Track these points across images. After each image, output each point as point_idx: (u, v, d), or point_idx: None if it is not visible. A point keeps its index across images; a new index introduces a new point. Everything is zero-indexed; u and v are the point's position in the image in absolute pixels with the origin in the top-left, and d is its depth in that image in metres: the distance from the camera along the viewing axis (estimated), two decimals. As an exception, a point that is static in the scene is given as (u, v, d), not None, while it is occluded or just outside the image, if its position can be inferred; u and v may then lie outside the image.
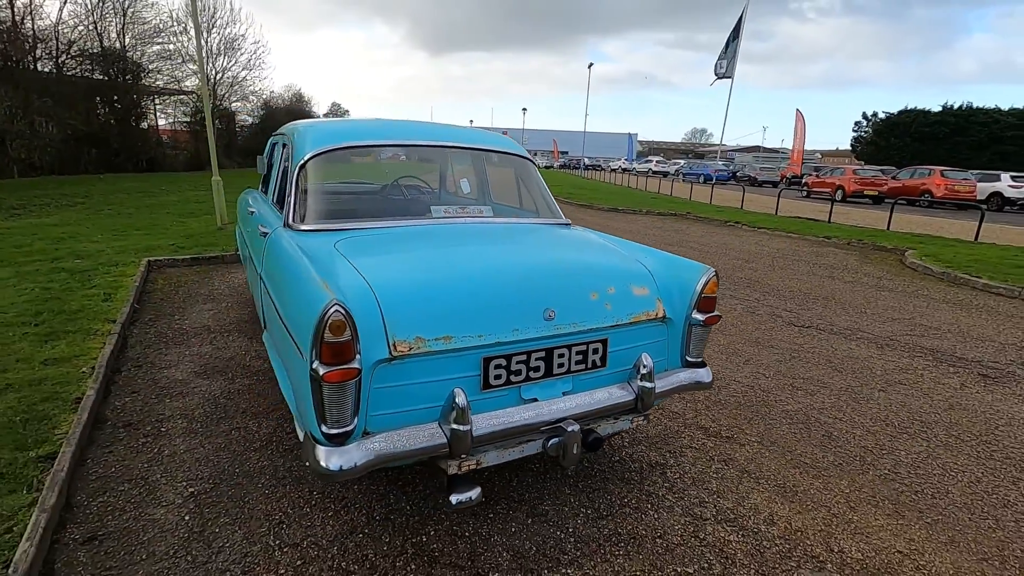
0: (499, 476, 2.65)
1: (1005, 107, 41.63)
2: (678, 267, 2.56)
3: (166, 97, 26.46)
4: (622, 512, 2.46)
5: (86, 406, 2.95)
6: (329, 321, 1.67)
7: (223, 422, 3.08)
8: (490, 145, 3.39)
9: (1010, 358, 4.62)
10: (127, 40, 22.68)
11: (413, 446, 1.86)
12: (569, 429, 2.07)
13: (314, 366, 1.70)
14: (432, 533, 2.26)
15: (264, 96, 31.35)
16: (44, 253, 6.72)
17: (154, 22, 23.53)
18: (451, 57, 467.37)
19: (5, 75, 18.03)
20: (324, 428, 1.77)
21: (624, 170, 41.57)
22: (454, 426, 1.88)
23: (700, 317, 2.45)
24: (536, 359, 2.11)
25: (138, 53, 23.27)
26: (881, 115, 47.52)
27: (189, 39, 24.46)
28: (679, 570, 2.12)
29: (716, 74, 22.90)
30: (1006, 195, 20.10)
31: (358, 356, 1.75)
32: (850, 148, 52.24)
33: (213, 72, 25.63)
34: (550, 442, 2.10)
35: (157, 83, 24.44)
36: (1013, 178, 20.32)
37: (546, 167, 47.12)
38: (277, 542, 2.17)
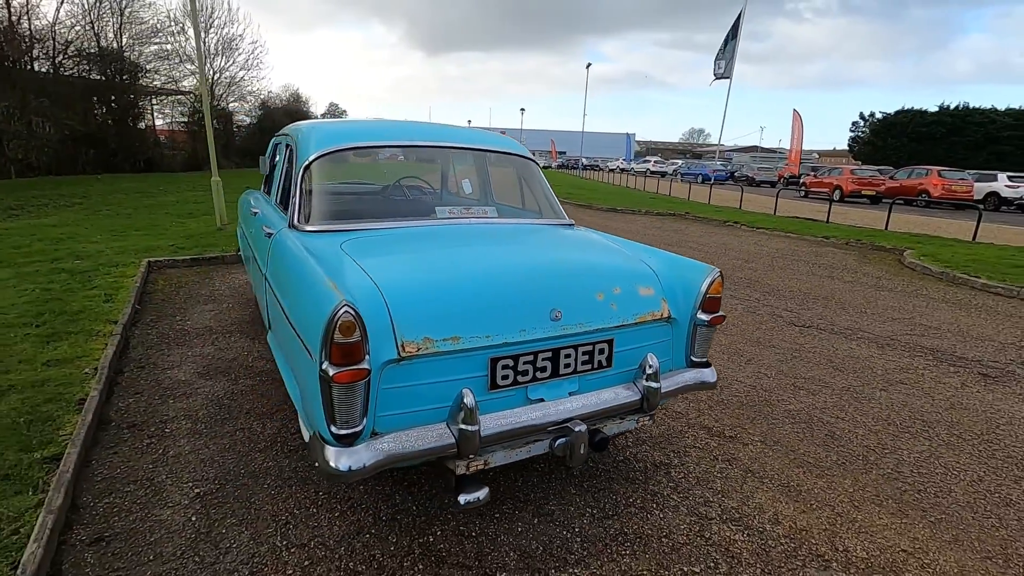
0: (504, 476, 2.65)
1: (1001, 107, 41.83)
2: (683, 267, 2.57)
3: (163, 97, 26.41)
4: (627, 512, 2.47)
5: (90, 407, 2.95)
6: (339, 322, 1.67)
7: (227, 423, 3.08)
8: (493, 146, 3.40)
9: (1010, 357, 4.64)
10: (124, 40, 22.67)
11: (422, 446, 1.86)
12: (576, 429, 2.08)
13: (324, 367, 1.71)
14: (439, 533, 2.27)
15: (262, 96, 31.36)
16: (43, 254, 6.71)
17: (151, 22, 23.56)
18: (448, 57, 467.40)
19: (2, 75, 17.98)
20: (333, 429, 1.78)
21: (622, 170, 41.61)
22: (462, 426, 1.88)
23: (705, 317, 2.46)
24: (543, 359, 2.12)
25: (135, 53, 23.26)
26: (878, 115, 47.69)
27: (187, 39, 24.46)
28: (685, 569, 2.13)
29: (715, 74, 22.96)
30: (1003, 195, 20.20)
31: (367, 357, 1.75)
32: (847, 148, 52.41)
33: (211, 72, 25.59)
34: (557, 442, 2.10)
35: (154, 83, 24.41)
36: (1010, 178, 20.43)
37: (544, 167, 46.88)
38: (284, 543, 2.18)
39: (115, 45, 22.28)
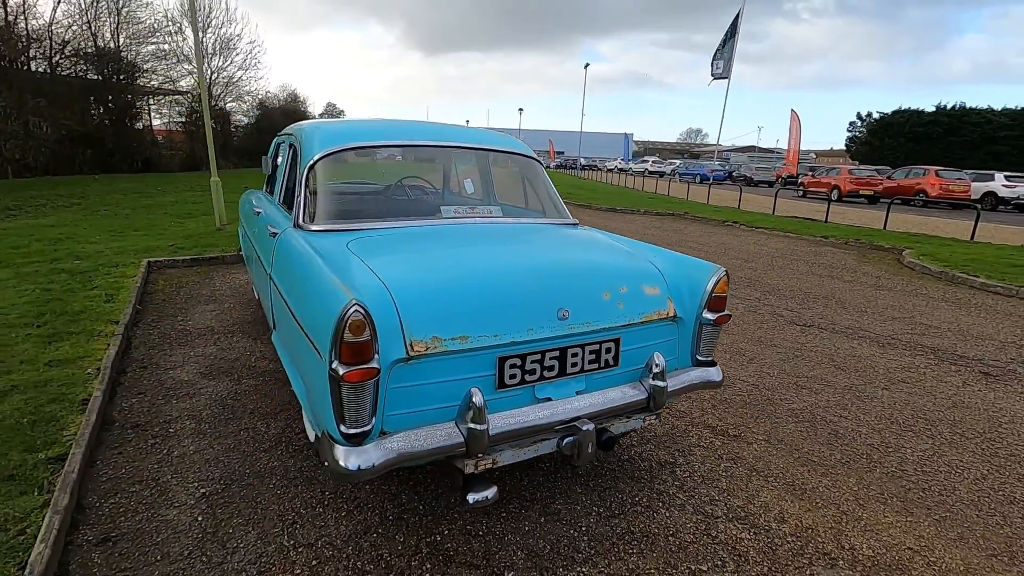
0: (510, 475, 2.65)
1: (998, 107, 41.95)
2: (688, 267, 2.57)
3: (161, 97, 26.33)
4: (634, 511, 2.47)
5: (93, 407, 2.94)
6: (349, 321, 1.67)
7: (231, 423, 3.08)
8: (496, 145, 3.40)
9: (1010, 356, 4.65)
10: (121, 40, 22.57)
11: (431, 445, 1.86)
12: (584, 428, 2.08)
13: (333, 366, 1.70)
14: (446, 532, 2.27)
15: (259, 96, 31.30)
16: (42, 254, 6.68)
17: (148, 22, 23.44)
18: (446, 57, 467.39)
19: (-1, 75, 17.92)
20: (343, 428, 1.77)
21: (620, 170, 41.64)
22: (471, 425, 1.88)
23: (711, 316, 2.46)
24: (550, 358, 2.12)
25: (132, 53, 23.17)
26: (875, 115, 47.78)
27: (184, 39, 24.39)
28: (693, 568, 2.14)
29: (712, 74, 22.99)
30: (1000, 195, 20.27)
31: (376, 356, 1.75)
32: (845, 148, 52.52)
33: (209, 72, 25.53)
34: (564, 441, 2.11)
35: (152, 83, 24.33)
36: (1007, 178, 20.51)
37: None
38: (291, 542, 2.17)
39: (112, 45, 22.20)
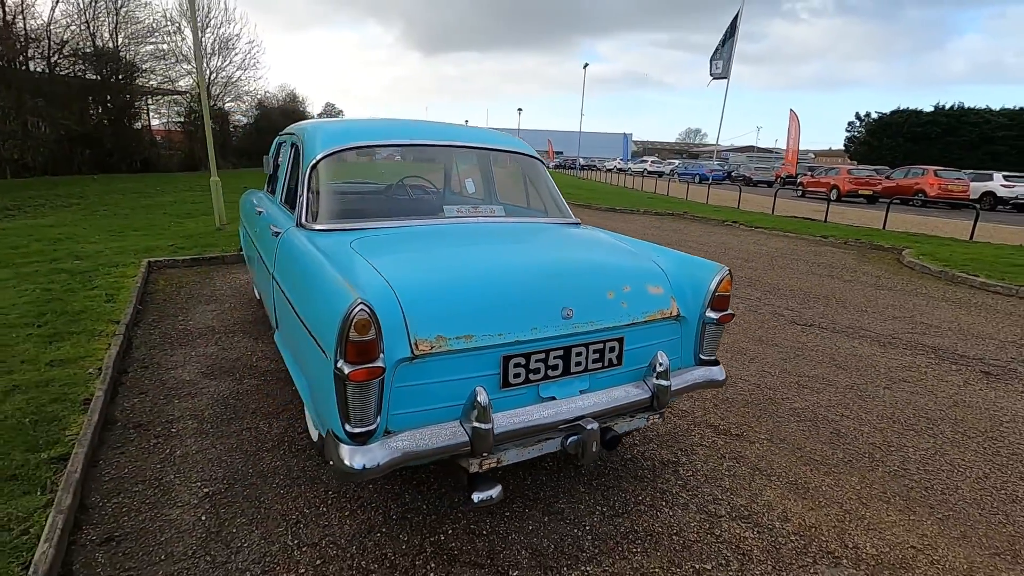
0: (513, 475, 2.65)
1: (996, 107, 42.05)
2: (692, 266, 2.57)
3: (160, 97, 26.30)
4: (637, 510, 2.47)
5: (95, 407, 2.93)
6: (355, 320, 1.67)
7: (233, 422, 3.07)
8: (499, 144, 3.40)
9: (1011, 355, 4.66)
10: (120, 40, 22.57)
11: (436, 445, 1.86)
12: (588, 427, 2.08)
13: (339, 365, 1.70)
14: (450, 532, 2.27)
15: (258, 96, 31.27)
16: (42, 254, 6.67)
17: (147, 21, 23.42)
18: (445, 57, 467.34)
19: (-3, 75, 17.89)
20: (348, 427, 1.77)
21: (620, 170, 41.67)
22: (476, 424, 1.88)
23: (714, 315, 2.46)
24: (554, 357, 2.12)
25: (131, 53, 23.15)
26: (874, 115, 47.87)
27: (183, 39, 24.37)
28: (697, 567, 2.14)
29: (712, 74, 23.01)
30: (998, 195, 20.31)
31: (382, 355, 1.75)
32: (843, 148, 52.61)
33: (208, 72, 25.49)
34: (569, 440, 2.11)
35: (151, 83, 24.30)
36: (1006, 178, 20.55)
37: (542, 167, 46.70)
38: (295, 541, 2.17)
39: (111, 45, 22.18)
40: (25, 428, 2.75)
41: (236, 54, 27.37)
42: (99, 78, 22.02)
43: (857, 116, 50.36)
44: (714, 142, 36.38)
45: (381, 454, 1.78)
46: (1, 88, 17.68)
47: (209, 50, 25.76)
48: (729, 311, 2.51)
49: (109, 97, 22.70)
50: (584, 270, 2.35)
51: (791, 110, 27.73)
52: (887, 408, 3.59)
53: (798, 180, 26.74)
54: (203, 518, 2.28)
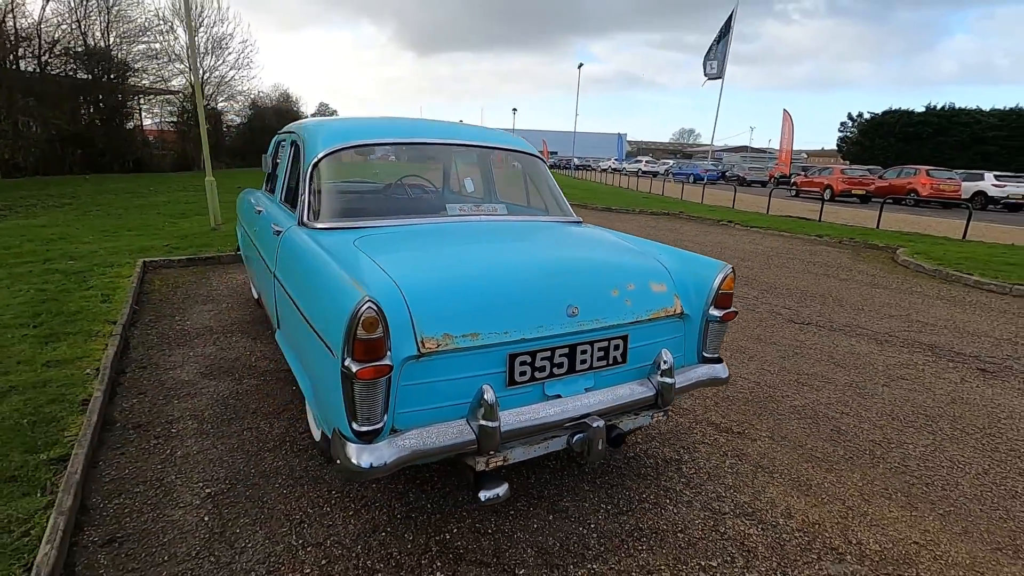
0: (517, 473, 2.65)
1: (986, 108, 42.48)
2: (694, 264, 2.58)
3: (152, 97, 26.11)
4: (641, 507, 2.47)
5: (94, 408, 2.90)
6: (362, 318, 1.66)
7: (234, 423, 3.05)
8: (500, 143, 3.39)
9: (1006, 353, 4.70)
10: (112, 39, 22.35)
11: (443, 443, 1.85)
12: (594, 425, 2.07)
13: (346, 363, 1.69)
14: (455, 531, 2.26)
15: (252, 96, 31.06)
16: (35, 254, 6.61)
17: (139, 20, 23.23)
18: (439, 58, 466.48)
19: (-13, 74, 17.71)
20: (355, 426, 1.76)
21: (614, 170, 41.75)
22: (483, 422, 1.88)
23: (717, 313, 2.47)
24: (560, 355, 2.12)
25: (123, 52, 22.95)
26: (866, 116, 48.21)
27: (175, 38, 24.21)
28: (703, 563, 2.14)
29: (706, 75, 23.08)
30: (989, 194, 20.49)
31: (389, 353, 1.74)
32: (836, 148, 52.94)
33: (201, 72, 25.32)
34: (575, 438, 2.10)
35: (143, 83, 24.11)
36: (997, 177, 20.74)
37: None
38: (300, 541, 2.16)
39: (102, 44, 21.99)
40: (23, 429, 2.72)
41: (229, 53, 27.18)
42: (91, 77, 21.81)
43: (849, 116, 50.79)
44: (707, 142, 36.59)
45: (388, 452, 1.78)
46: (-9, 87, 17.51)
47: (202, 49, 25.59)
48: (732, 309, 2.51)
49: (101, 97, 22.49)
50: (589, 268, 2.35)
51: (784, 110, 27.82)
52: (886, 405, 3.61)
53: (792, 180, 26.87)
54: (206, 519, 2.26)
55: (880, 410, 3.54)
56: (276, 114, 30.15)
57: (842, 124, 51.69)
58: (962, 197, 19.95)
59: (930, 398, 3.75)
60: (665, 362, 2.30)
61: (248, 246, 4.24)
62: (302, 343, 2.26)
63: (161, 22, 24.04)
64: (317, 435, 2.66)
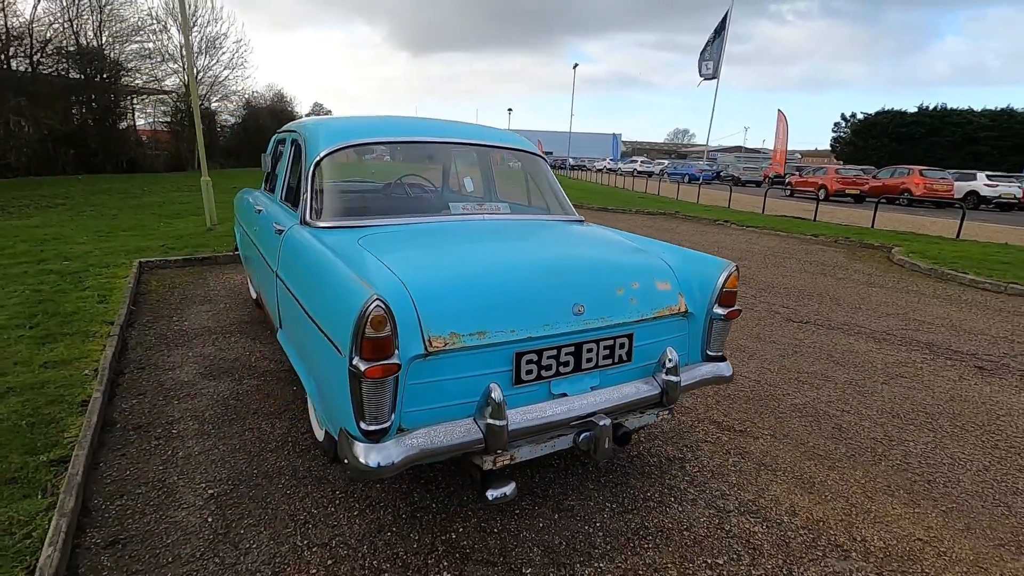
0: (522, 472, 2.64)
1: (978, 108, 42.81)
2: (698, 262, 2.59)
3: (145, 97, 25.94)
4: (646, 506, 2.47)
5: (94, 409, 2.88)
6: (371, 316, 1.65)
7: (235, 423, 3.03)
8: (501, 142, 3.39)
9: (1003, 351, 4.73)
10: (104, 38, 22.17)
11: (450, 442, 1.85)
12: (601, 423, 2.07)
13: (354, 362, 1.68)
14: (461, 530, 2.25)
15: (246, 96, 30.92)
16: (29, 255, 6.55)
17: (132, 20, 23.05)
18: (433, 58, 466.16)
19: (-21, 74, 17.55)
20: (362, 425, 1.75)
21: (609, 170, 41.81)
22: (490, 421, 1.87)
23: (721, 311, 2.48)
24: (566, 354, 2.11)
25: (116, 52, 22.77)
26: (859, 116, 48.49)
27: (168, 38, 24.07)
28: (709, 561, 2.14)
29: (701, 75, 23.16)
30: (982, 194, 20.66)
31: (397, 352, 1.73)
32: (830, 148, 53.23)
33: (194, 71, 25.17)
34: (581, 436, 2.10)
35: (136, 82, 23.95)
36: (989, 177, 20.91)
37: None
38: (305, 542, 2.15)
39: (95, 43, 21.82)
40: (22, 431, 2.69)
41: (223, 53, 27.05)
42: (83, 77, 21.63)
43: (843, 117, 51.05)
44: (702, 142, 36.77)
45: (396, 451, 1.77)
46: (-18, 87, 17.35)
47: (196, 49, 25.44)
48: (736, 307, 2.52)
49: (93, 96, 22.33)
50: (594, 267, 2.35)
51: (779, 110, 28.02)
52: (886, 403, 3.63)
53: (787, 180, 27.00)
54: (209, 520, 2.25)
55: (880, 408, 3.56)
56: (271, 114, 30.06)
57: (835, 124, 51.96)
58: (955, 197, 20.12)
59: (929, 396, 3.77)
60: (670, 360, 2.30)
61: (247, 246, 4.22)
62: (307, 342, 2.24)
63: (154, 21, 23.89)
64: (320, 435, 2.65)
